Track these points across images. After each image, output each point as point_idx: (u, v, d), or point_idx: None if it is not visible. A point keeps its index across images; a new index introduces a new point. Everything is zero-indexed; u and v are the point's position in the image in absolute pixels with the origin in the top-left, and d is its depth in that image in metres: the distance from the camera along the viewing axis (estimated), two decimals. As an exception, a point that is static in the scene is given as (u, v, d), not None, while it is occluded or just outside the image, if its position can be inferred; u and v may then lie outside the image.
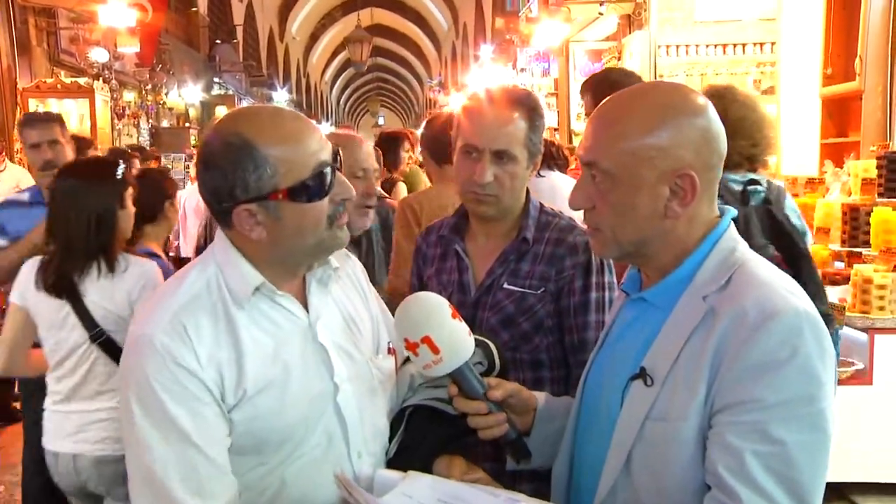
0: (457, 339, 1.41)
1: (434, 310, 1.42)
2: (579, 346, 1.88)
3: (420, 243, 2.15)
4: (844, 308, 3.98)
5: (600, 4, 9.85)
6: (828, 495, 4.20)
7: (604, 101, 1.40)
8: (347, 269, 1.63)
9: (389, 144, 5.46)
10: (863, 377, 3.99)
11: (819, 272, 2.71)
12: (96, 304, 2.54)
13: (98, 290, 2.54)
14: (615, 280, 1.93)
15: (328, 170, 1.39)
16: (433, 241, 2.09)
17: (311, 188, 1.37)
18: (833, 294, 4.17)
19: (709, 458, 1.22)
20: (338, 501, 1.39)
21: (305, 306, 1.47)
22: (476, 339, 1.57)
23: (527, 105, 1.89)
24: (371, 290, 1.68)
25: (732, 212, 1.39)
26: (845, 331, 4.01)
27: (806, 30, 6.16)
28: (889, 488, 4.01)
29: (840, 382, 3.95)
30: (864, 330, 4.00)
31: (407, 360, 1.59)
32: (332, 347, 1.46)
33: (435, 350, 1.40)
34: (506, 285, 1.91)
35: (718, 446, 1.21)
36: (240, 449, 1.37)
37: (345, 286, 1.59)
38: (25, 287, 2.59)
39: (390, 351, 1.62)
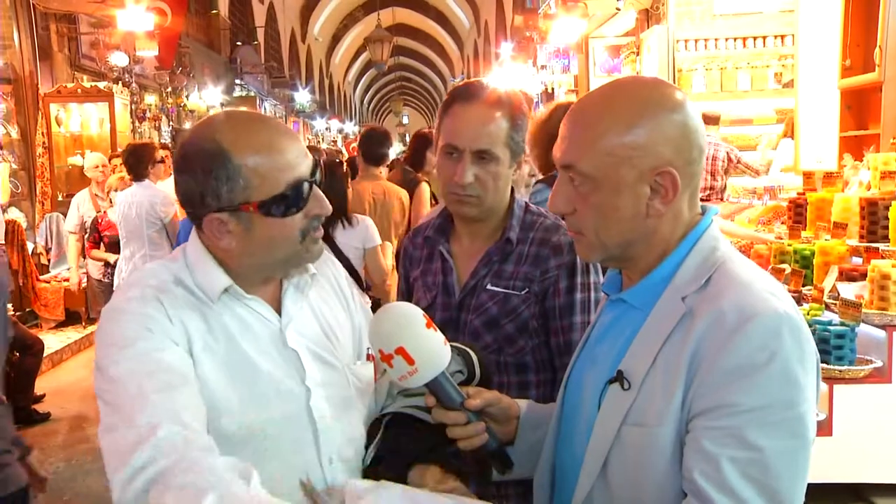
0: (432, 350, 1.38)
1: (407, 320, 1.39)
2: (565, 349, 1.83)
3: (407, 244, 2.11)
4: (861, 305, 3.89)
5: (617, 0, 9.74)
6: (847, 497, 4.09)
7: (577, 101, 1.36)
8: (329, 275, 1.61)
9: (419, 144, 5.47)
10: (881, 375, 3.89)
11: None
12: (342, 244, 3.94)
13: (341, 236, 3.98)
14: (602, 279, 1.88)
15: (305, 185, 1.37)
16: (419, 242, 2.06)
17: (284, 203, 1.36)
18: (850, 290, 4.07)
19: (685, 464, 1.18)
20: None
21: (280, 310, 1.46)
22: (456, 347, 1.54)
23: (509, 103, 1.84)
24: (356, 297, 1.65)
25: (714, 209, 1.35)
26: (863, 328, 3.92)
27: (824, 21, 6.03)
28: (910, 489, 3.91)
29: (858, 381, 3.86)
30: (882, 327, 3.89)
31: None
32: (304, 352, 1.45)
33: (410, 361, 1.36)
34: (489, 286, 1.87)
35: (695, 452, 1.17)
36: None
37: (325, 292, 1.57)
38: None
39: (370, 358, 1.59)
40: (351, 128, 37.87)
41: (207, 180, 1.33)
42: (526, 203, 1.96)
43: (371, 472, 1.49)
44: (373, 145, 5.13)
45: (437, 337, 1.40)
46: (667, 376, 1.22)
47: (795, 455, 1.16)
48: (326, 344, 1.50)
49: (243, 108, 1.44)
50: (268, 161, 1.34)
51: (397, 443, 1.51)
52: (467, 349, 1.57)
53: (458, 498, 1.35)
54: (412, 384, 1.40)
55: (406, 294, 2.09)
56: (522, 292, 1.85)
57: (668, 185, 1.26)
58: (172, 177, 1.45)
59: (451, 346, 1.49)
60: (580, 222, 1.32)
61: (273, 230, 1.37)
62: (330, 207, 1.43)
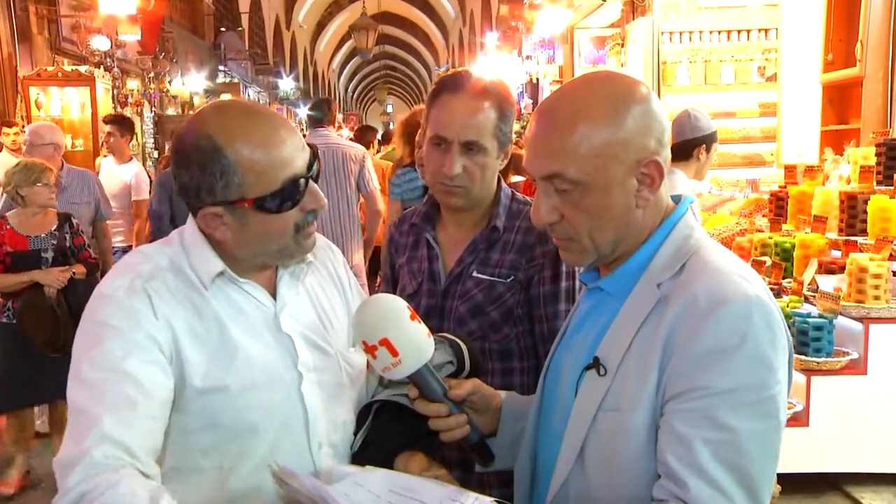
0: (416, 342, 1.39)
1: (392, 311, 1.39)
2: (549, 337, 1.84)
3: (393, 232, 2.12)
4: (840, 297, 3.94)
5: (603, -10, 9.77)
6: (822, 486, 4.16)
7: (539, 110, 1.34)
8: (327, 262, 1.62)
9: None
10: (857, 367, 3.96)
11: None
12: None
13: None
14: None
15: (301, 181, 1.37)
16: (405, 229, 2.07)
17: (279, 199, 1.35)
18: (828, 283, 4.13)
19: (659, 446, 1.20)
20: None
21: (275, 295, 1.47)
22: (447, 339, 1.55)
23: (497, 94, 1.84)
24: (353, 285, 1.65)
25: (690, 198, 1.36)
26: (840, 320, 3.98)
27: (807, 15, 6.08)
28: (884, 479, 3.98)
29: (834, 372, 3.93)
30: (859, 319, 3.96)
31: None
32: (297, 337, 1.46)
33: (394, 353, 1.37)
34: (475, 274, 1.89)
35: (668, 434, 1.19)
36: (196, 431, 1.36)
37: (322, 279, 1.58)
38: None
39: None
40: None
41: (203, 176, 1.33)
42: (512, 192, 1.97)
43: (358, 458, 1.50)
44: None
45: (422, 329, 1.41)
46: (641, 362, 1.23)
47: (767, 436, 1.18)
48: (321, 330, 1.51)
49: (240, 99, 1.43)
50: (264, 158, 1.33)
51: (385, 430, 1.52)
52: (458, 341, 1.57)
53: (439, 482, 1.36)
54: (395, 376, 1.41)
55: (391, 281, 2.09)
56: (508, 280, 1.86)
57: (654, 173, 1.28)
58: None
59: (442, 337, 1.51)
60: (570, 228, 1.31)
61: (267, 225, 1.37)
62: (325, 202, 1.43)
